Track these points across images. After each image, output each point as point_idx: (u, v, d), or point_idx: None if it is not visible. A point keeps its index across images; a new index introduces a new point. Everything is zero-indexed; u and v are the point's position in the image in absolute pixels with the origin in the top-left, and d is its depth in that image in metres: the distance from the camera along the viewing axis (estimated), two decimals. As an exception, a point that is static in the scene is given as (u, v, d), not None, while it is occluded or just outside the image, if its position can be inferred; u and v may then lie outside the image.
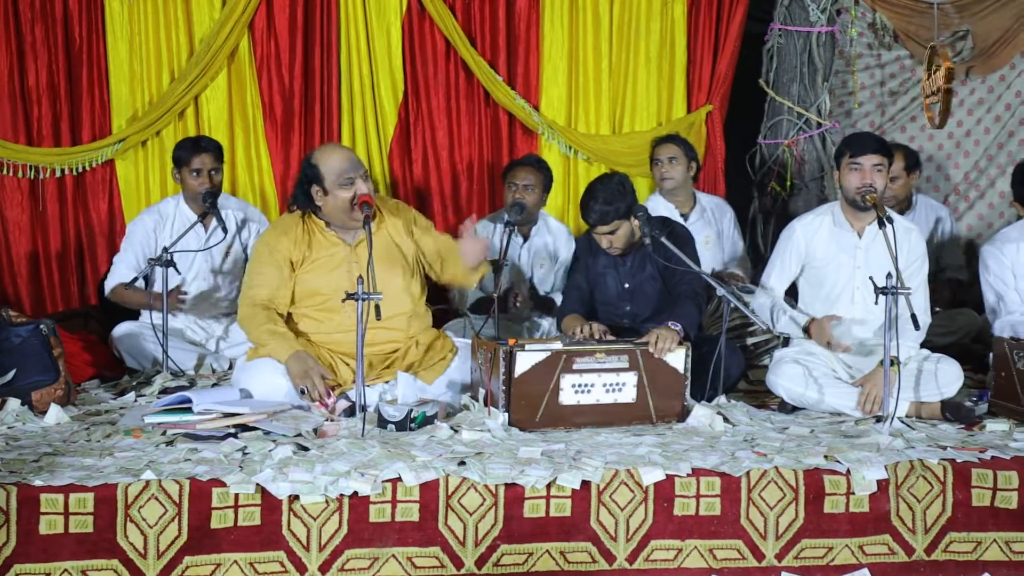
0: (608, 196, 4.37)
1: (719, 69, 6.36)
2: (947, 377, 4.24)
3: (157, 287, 4.85)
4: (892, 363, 4.02)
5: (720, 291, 4.31)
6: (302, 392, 4.06)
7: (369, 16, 6.00)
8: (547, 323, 5.35)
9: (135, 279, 4.89)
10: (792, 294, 4.64)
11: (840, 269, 4.43)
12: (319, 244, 4.30)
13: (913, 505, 3.51)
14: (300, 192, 4.27)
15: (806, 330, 4.35)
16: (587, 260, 4.66)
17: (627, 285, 4.59)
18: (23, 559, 3.08)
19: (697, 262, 4.45)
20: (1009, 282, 4.73)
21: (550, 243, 5.61)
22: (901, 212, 5.74)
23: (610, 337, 4.26)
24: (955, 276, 5.78)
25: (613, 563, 3.38)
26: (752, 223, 6.45)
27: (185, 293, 5.04)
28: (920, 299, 4.33)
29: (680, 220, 5.42)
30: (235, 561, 3.19)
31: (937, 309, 5.43)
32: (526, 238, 5.59)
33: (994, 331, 4.73)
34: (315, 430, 3.75)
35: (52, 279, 5.82)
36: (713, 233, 5.72)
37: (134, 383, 4.69)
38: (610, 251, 4.50)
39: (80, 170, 5.79)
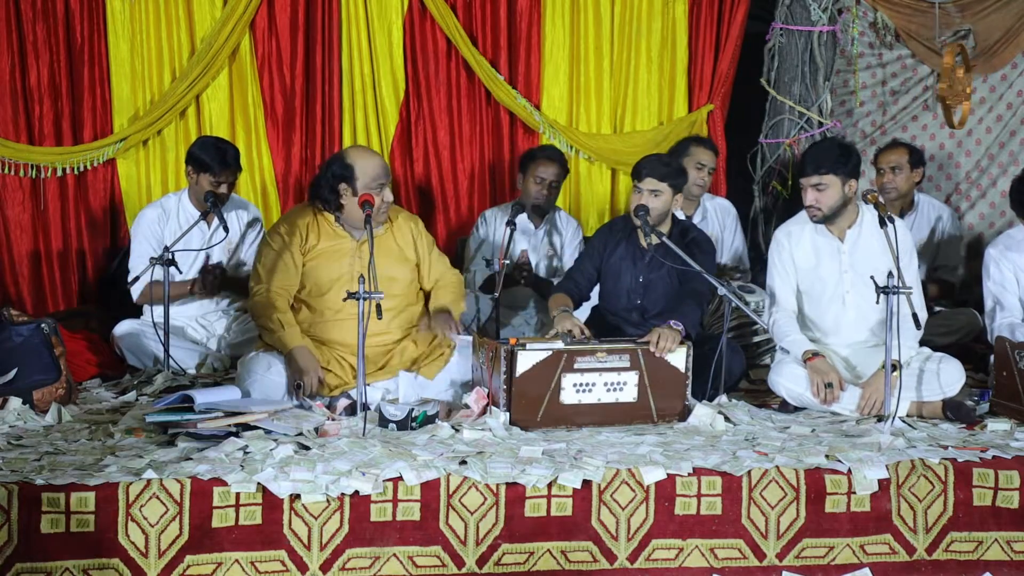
0: (670, 161, 4.65)
1: (720, 68, 6.36)
2: (949, 377, 4.24)
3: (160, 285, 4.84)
4: (894, 368, 4.02)
5: (721, 291, 4.31)
6: (297, 386, 4.09)
7: (370, 15, 6.00)
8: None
9: (136, 278, 4.88)
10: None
11: (827, 275, 4.43)
12: (327, 235, 4.38)
13: (914, 504, 3.51)
14: (326, 187, 4.32)
15: (805, 361, 4.30)
16: (603, 250, 4.66)
17: (641, 279, 4.60)
18: (24, 558, 3.08)
19: (712, 269, 4.47)
20: (1010, 287, 4.72)
21: (558, 239, 5.62)
22: (903, 213, 5.75)
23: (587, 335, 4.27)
24: (946, 277, 5.77)
25: (614, 562, 3.38)
26: (753, 223, 6.44)
27: (219, 265, 5.08)
28: (915, 296, 4.35)
29: None
30: (236, 560, 3.19)
31: (938, 309, 5.43)
32: (536, 227, 5.59)
33: (990, 333, 4.73)
34: (316, 429, 3.75)
35: (53, 278, 5.82)
36: (716, 235, 5.74)
37: (135, 382, 4.68)
38: (639, 214, 4.43)
39: (81, 169, 5.79)
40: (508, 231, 5.10)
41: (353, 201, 4.28)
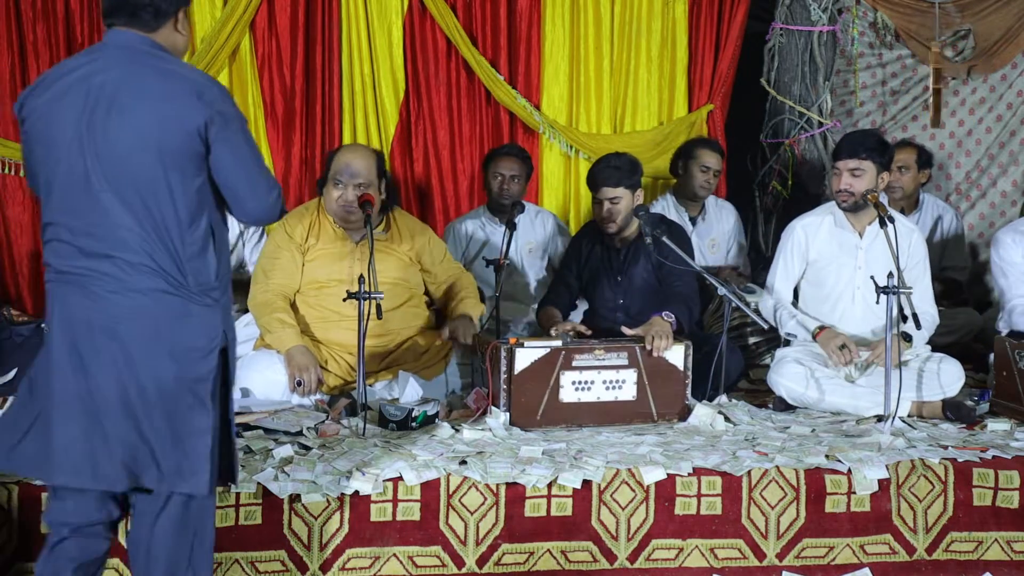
0: (620, 163, 4.52)
1: (720, 68, 6.36)
2: (949, 376, 4.25)
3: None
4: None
5: (721, 290, 4.31)
6: (298, 383, 4.09)
7: (370, 15, 6.00)
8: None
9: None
10: (793, 294, 4.64)
11: (841, 269, 4.44)
12: (327, 235, 4.40)
13: (914, 504, 3.51)
14: (322, 176, 4.46)
15: (815, 336, 4.34)
16: (580, 256, 4.67)
17: (619, 278, 4.60)
18: (24, 558, 3.09)
19: (691, 257, 4.48)
20: (1018, 265, 4.74)
21: (538, 230, 5.60)
22: (908, 212, 5.75)
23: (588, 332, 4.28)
24: (953, 276, 5.78)
25: (614, 562, 3.38)
26: (753, 223, 6.45)
27: None
28: (926, 297, 4.38)
29: (688, 223, 5.47)
30: (236, 560, 3.19)
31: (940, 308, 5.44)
32: (513, 228, 5.57)
33: (1000, 317, 4.76)
34: (316, 429, 3.75)
35: (54, 278, 5.81)
36: (719, 235, 5.74)
37: (135, 382, 4.68)
38: (605, 223, 4.49)
39: (81, 169, 5.78)
40: (507, 232, 5.09)
41: (325, 191, 4.35)
